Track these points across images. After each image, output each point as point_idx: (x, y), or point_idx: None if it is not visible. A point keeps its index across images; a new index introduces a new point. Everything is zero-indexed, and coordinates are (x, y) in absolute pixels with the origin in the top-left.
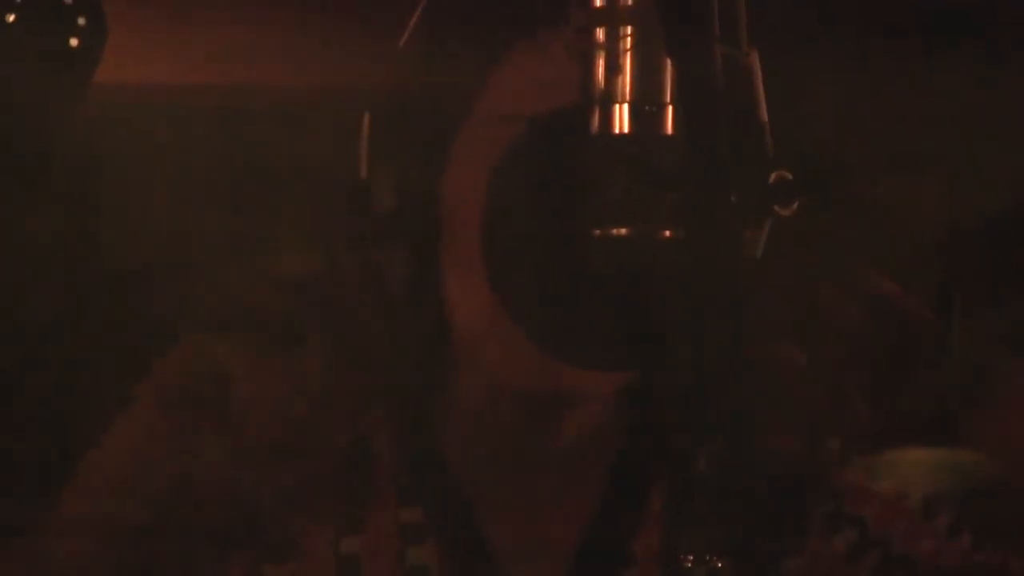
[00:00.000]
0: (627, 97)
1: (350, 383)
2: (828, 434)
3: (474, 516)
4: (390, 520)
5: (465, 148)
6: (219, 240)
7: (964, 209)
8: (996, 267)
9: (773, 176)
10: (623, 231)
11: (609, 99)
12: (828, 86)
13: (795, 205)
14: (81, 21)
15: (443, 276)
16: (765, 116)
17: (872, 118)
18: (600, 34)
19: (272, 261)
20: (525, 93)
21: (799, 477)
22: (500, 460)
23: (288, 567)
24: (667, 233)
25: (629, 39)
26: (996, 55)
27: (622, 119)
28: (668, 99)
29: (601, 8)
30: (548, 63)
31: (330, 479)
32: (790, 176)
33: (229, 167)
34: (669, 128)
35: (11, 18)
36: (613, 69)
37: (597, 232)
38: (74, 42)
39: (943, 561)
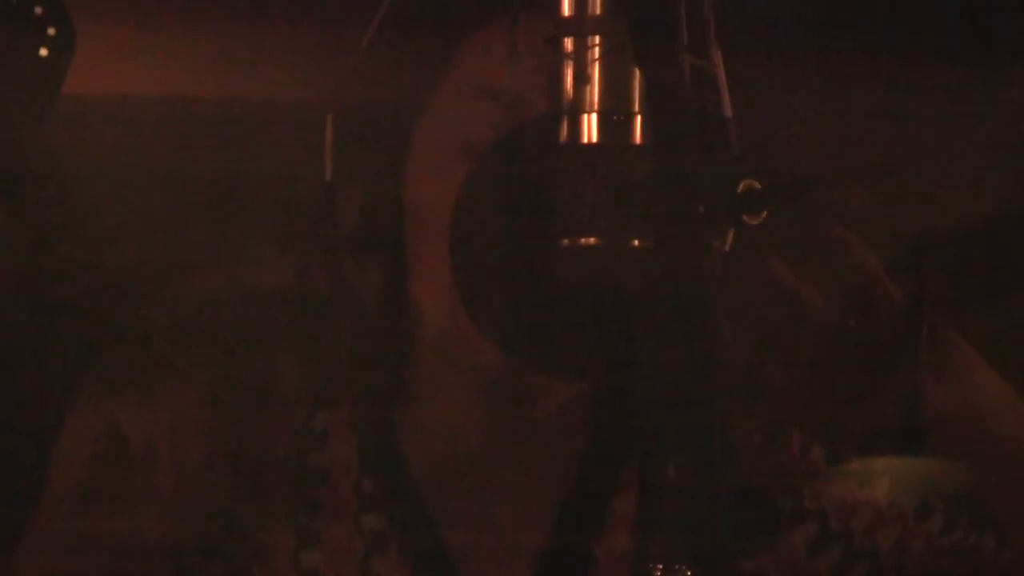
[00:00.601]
0: (595, 107)
1: (293, 391)
2: (791, 430)
3: (438, 521)
4: (352, 529)
5: (424, 155)
6: (192, 251)
7: (936, 218)
8: (968, 276)
9: (742, 185)
10: (591, 240)
11: (577, 108)
12: (798, 93)
13: (764, 214)
14: (51, 31)
15: (410, 284)
16: (732, 125)
17: (842, 125)
18: (568, 44)
19: (244, 271)
20: (478, 89)
21: (764, 478)
22: (465, 465)
23: None
24: (635, 243)
25: (597, 49)
26: (972, 63)
27: (590, 128)
28: (636, 108)
29: (569, 18)
30: (498, 61)
31: (279, 492)
32: (759, 185)
33: (198, 179)
34: (638, 137)
35: None
36: (581, 79)
37: (565, 241)
38: (44, 52)
39: (909, 544)
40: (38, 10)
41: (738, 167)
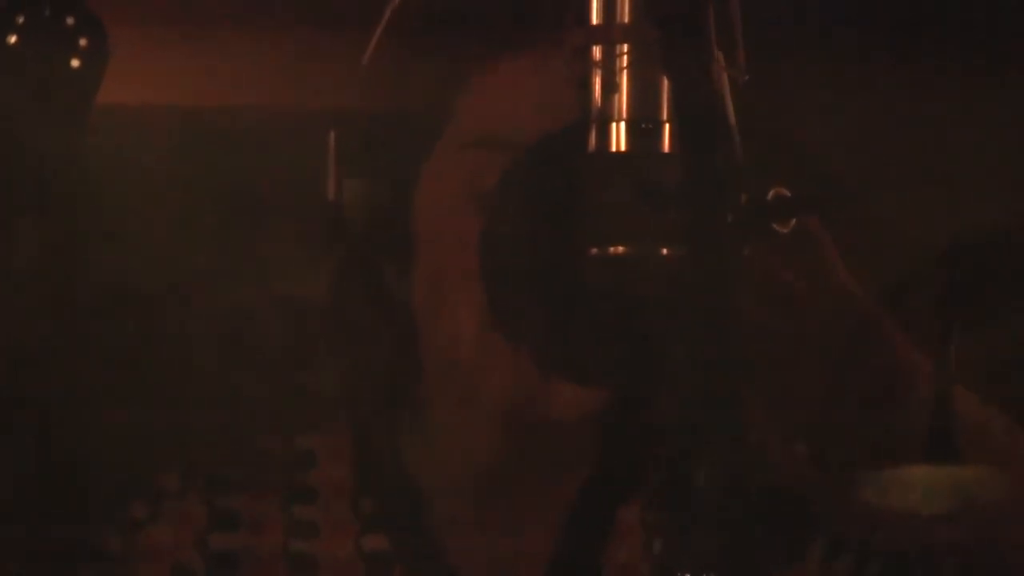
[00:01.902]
0: (624, 115)
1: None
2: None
3: (443, 541)
4: (351, 550)
5: (441, 166)
6: (221, 264)
7: (963, 225)
8: (995, 283)
9: (771, 193)
10: (620, 249)
11: (606, 117)
12: (825, 101)
13: (793, 222)
14: (83, 42)
15: (427, 297)
16: (760, 133)
17: (870, 133)
18: (597, 52)
19: (275, 284)
20: (509, 108)
21: (796, 491)
22: (476, 486)
23: None
24: (664, 251)
25: (626, 57)
26: (997, 71)
27: (619, 137)
28: (665, 117)
29: (598, 26)
30: (535, 78)
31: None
32: (788, 193)
33: (231, 190)
34: (667, 146)
35: (12, 39)
36: (610, 87)
37: (594, 250)
38: (76, 64)
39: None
40: (70, 20)
41: (757, 172)
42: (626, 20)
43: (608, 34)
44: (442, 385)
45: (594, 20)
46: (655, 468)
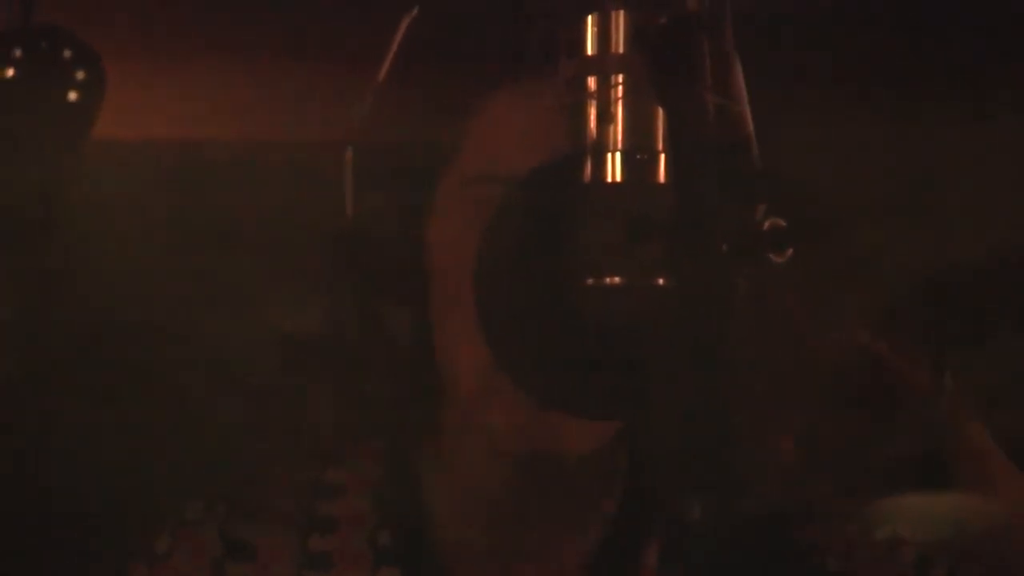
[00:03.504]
0: (619, 146)
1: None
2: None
3: (454, 573)
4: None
5: (448, 199)
6: (218, 296)
7: (950, 255)
8: (982, 312)
9: (767, 223)
10: (616, 280)
11: (600, 148)
12: (817, 134)
13: (789, 252)
14: (80, 75)
15: (437, 332)
16: (757, 163)
17: (861, 166)
18: (591, 83)
19: (275, 316)
20: (506, 142)
21: (786, 516)
22: (489, 519)
23: None
24: (660, 281)
25: (620, 87)
26: (986, 105)
27: (614, 168)
28: (660, 147)
29: (592, 57)
30: (531, 111)
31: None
32: (783, 223)
33: (228, 222)
34: (662, 176)
35: (10, 72)
36: (604, 118)
37: (590, 281)
38: (73, 96)
39: None
40: (67, 54)
41: (761, 197)
42: (620, 51)
43: (602, 65)
44: (452, 417)
45: (588, 51)
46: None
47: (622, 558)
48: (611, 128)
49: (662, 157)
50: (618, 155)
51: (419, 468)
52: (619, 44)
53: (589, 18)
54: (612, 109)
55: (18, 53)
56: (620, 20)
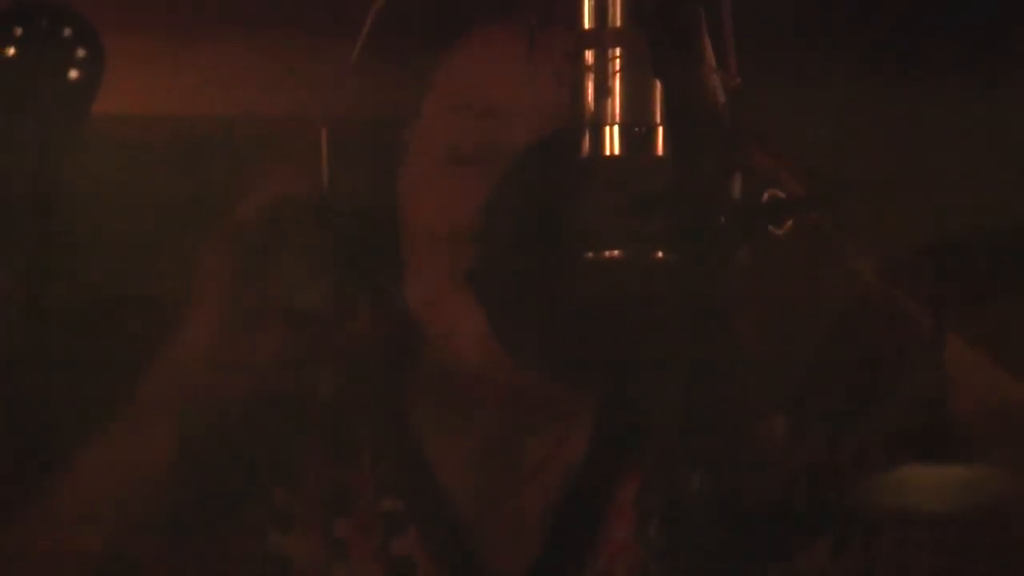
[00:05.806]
0: (617, 119)
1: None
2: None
3: (454, 507)
4: (370, 509)
5: (415, 166)
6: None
7: (951, 221)
8: (983, 275)
9: (765, 195)
10: (615, 253)
11: (599, 121)
12: (817, 102)
13: (788, 224)
14: (80, 53)
15: (409, 299)
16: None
17: (861, 134)
18: (589, 56)
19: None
20: (482, 75)
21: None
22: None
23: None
24: (659, 254)
25: (618, 61)
26: (983, 70)
27: (612, 141)
28: (658, 120)
29: (590, 31)
30: (506, 46)
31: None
32: (782, 195)
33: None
34: (659, 149)
35: (10, 51)
36: (602, 91)
37: (589, 254)
38: (73, 74)
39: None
40: (67, 31)
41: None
42: (618, 25)
43: (600, 38)
44: (447, 370)
45: (586, 25)
46: (651, 453)
47: (591, 497)
48: (608, 101)
49: (660, 130)
50: (616, 128)
51: (408, 410)
52: (617, 18)
53: None
54: (610, 83)
55: (19, 31)
56: None
